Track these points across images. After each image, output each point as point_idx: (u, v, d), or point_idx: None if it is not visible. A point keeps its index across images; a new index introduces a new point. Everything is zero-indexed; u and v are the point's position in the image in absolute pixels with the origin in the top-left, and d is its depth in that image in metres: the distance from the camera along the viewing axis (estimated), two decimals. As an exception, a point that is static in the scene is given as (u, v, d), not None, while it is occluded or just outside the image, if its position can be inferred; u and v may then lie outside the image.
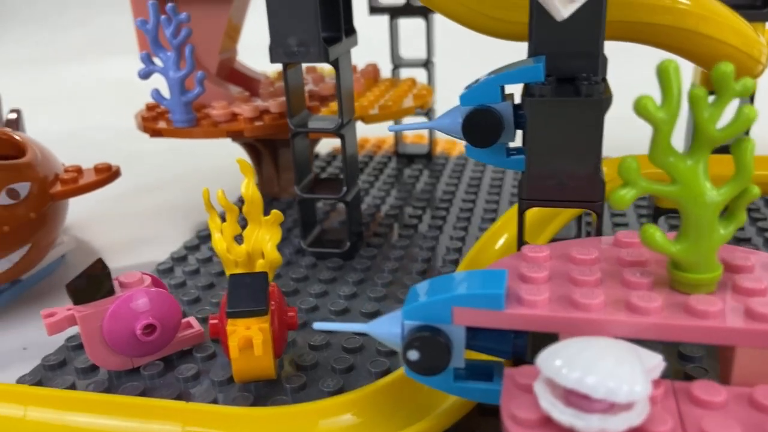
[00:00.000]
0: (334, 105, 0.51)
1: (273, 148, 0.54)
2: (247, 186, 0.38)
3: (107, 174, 0.46)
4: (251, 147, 0.55)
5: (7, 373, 0.35)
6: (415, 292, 0.25)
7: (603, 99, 0.27)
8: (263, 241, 0.39)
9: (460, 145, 0.70)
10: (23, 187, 0.40)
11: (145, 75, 0.46)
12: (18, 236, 0.39)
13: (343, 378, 0.32)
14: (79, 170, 0.46)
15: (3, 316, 0.41)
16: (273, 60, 0.39)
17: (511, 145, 0.31)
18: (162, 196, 0.62)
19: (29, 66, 1.28)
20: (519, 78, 0.28)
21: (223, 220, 0.39)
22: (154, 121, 0.49)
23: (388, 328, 0.25)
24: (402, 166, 0.64)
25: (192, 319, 0.37)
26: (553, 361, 0.20)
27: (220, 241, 0.39)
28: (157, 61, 0.46)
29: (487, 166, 0.63)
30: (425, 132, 0.66)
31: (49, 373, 0.34)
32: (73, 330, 0.37)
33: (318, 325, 0.26)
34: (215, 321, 0.32)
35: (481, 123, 0.28)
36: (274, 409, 0.29)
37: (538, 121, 0.27)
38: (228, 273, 0.40)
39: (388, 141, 0.71)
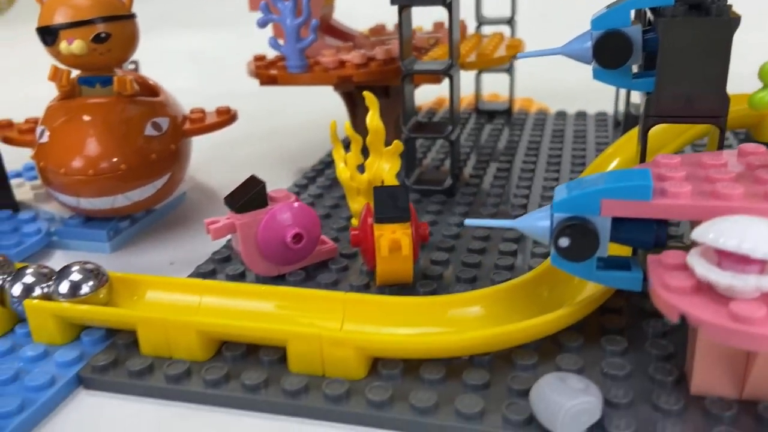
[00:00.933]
0: (432, 54, 0.53)
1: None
2: (372, 117, 0.42)
3: (227, 116, 0.50)
4: (348, 96, 0.59)
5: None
6: (562, 190, 0.28)
7: (732, 19, 0.29)
8: (383, 170, 0.42)
9: (538, 103, 0.73)
10: (164, 122, 0.44)
11: (263, 24, 0.49)
12: (161, 165, 0.43)
13: (468, 287, 0.35)
14: (203, 112, 0.50)
15: (143, 240, 0.45)
16: (393, 2, 0.42)
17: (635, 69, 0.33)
18: (261, 144, 0.66)
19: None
20: (650, 2, 0.30)
21: (347, 150, 0.42)
22: (266, 69, 0.52)
23: (536, 222, 0.28)
24: (483, 122, 0.66)
25: (324, 237, 0.40)
26: (711, 233, 0.23)
27: (344, 170, 0.42)
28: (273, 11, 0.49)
29: (567, 119, 0.65)
30: (506, 88, 0.68)
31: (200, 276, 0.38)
32: (216, 245, 0.41)
33: (469, 221, 0.29)
34: (356, 232, 0.36)
35: (612, 45, 0.31)
36: (425, 298, 0.32)
37: (670, 40, 0.30)
38: (350, 200, 0.43)
39: (464, 101, 0.74)
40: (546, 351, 0.30)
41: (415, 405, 0.26)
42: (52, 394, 0.28)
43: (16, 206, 0.47)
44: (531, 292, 0.32)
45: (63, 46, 0.41)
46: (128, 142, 0.41)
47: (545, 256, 0.38)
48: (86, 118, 0.41)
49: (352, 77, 0.50)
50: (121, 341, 0.31)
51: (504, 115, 0.67)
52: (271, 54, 0.57)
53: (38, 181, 0.52)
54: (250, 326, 0.30)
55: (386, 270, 0.34)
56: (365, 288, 0.36)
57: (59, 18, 0.41)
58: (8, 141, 0.46)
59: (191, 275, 0.38)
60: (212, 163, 0.61)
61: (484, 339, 0.28)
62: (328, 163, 0.56)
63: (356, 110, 0.59)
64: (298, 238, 0.36)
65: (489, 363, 0.29)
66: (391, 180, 0.41)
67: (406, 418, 0.26)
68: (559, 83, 0.78)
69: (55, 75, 0.41)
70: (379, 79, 0.50)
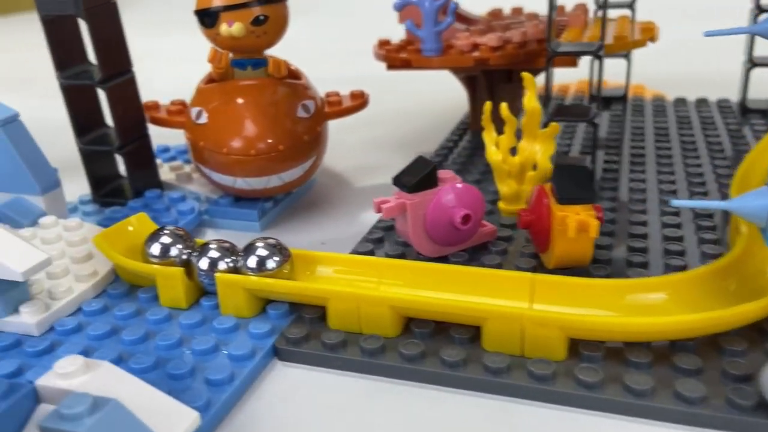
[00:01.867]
0: (566, 36, 0.52)
1: (490, 83, 0.57)
2: (530, 99, 0.41)
3: (362, 99, 0.50)
4: (469, 80, 0.58)
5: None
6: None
7: None
8: (536, 153, 0.42)
9: (651, 90, 0.71)
10: (311, 104, 0.45)
11: (400, 6, 0.49)
12: (310, 146, 0.44)
13: (642, 272, 0.35)
14: (338, 95, 0.50)
15: (287, 221, 0.46)
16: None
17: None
18: (377, 129, 0.66)
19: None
20: None
21: (499, 132, 0.42)
22: (396, 53, 0.52)
23: (755, 201, 0.27)
24: (600, 108, 0.65)
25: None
26: None
27: (495, 153, 0.42)
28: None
29: (689, 106, 0.63)
30: (622, 75, 0.67)
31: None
32: (363, 227, 0.41)
33: (675, 203, 0.29)
34: (527, 213, 0.35)
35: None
36: (619, 281, 0.31)
37: None
38: (499, 183, 0.43)
39: (572, 87, 0.72)
40: (751, 338, 0.29)
41: (632, 387, 0.26)
42: (254, 364, 0.29)
43: (161, 186, 0.49)
44: (719, 282, 0.31)
45: (223, 28, 0.41)
46: (284, 124, 0.42)
47: (715, 242, 0.37)
48: (244, 99, 0.42)
49: (489, 60, 0.49)
50: (307, 315, 0.32)
51: (620, 101, 0.66)
52: (391, 37, 0.57)
53: (176, 162, 0.53)
54: (449, 302, 0.30)
55: (566, 251, 0.33)
56: (533, 271, 0.35)
57: (220, 1, 0.42)
58: (157, 122, 0.47)
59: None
60: (334, 147, 0.62)
61: (699, 322, 0.27)
62: (449, 147, 0.56)
63: (477, 94, 0.58)
64: (466, 218, 0.36)
65: (694, 348, 0.28)
66: (544, 162, 0.41)
67: (622, 400, 0.26)
68: (665, 69, 0.76)
69: (215, 57, 0.42)
70: (514, 62, 0.50)
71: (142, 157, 0.47)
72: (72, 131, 0.46)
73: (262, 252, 0.33)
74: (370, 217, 0.46)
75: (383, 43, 0.56)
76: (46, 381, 0.25)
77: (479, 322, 0.29)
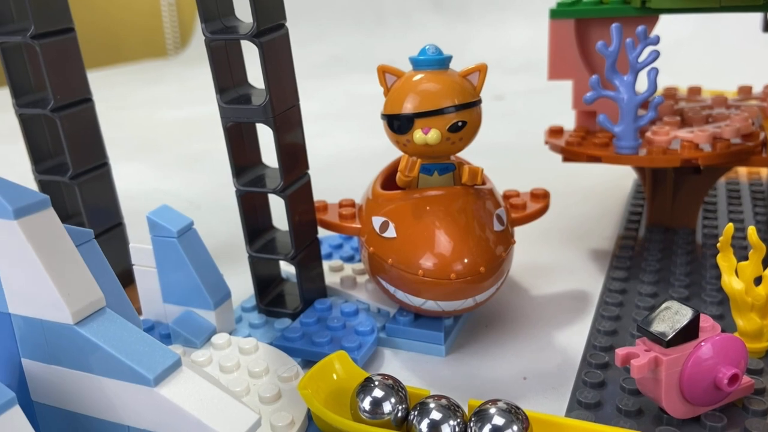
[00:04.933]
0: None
1: (678, 174, 0.51)
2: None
3: (546, 201, 0.45)
4: (644, 171, 0.53)
5: (534, 402, 0.35)
6: None
7: None
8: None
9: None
10: (503, 214, 0.40)
11: (591, 100, 0.44)
12: (506, 262, 0.39)
13: None
14: (518, 195, 0.46)
15: (469, 344, 0.41)
16: None
17: None
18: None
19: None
20: None
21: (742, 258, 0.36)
22: (578, 146, 0.48)
23: None
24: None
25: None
26: None
27: (735, 282, 0.36)
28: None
29: None
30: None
31: (585, 412, 0.33)
32: (563, 355, 0.36)
33: None
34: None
35: None
36: None
37: None
38: (738, 317, 0.36)
39: None
40: None
41: None
42: None
43: (326, 293, 0.45)
44: None
45: (417, 135, 0.38)
46: (482, 241, 0.38)
47: None
48: (439, 213, 0.38)
49: (697, 160, 0.43)
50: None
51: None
52: (563, 124, 0.52)
53: (335, 261, 0.49)
54: None
55: None
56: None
57: (415, 106, 0.38)
58: (327, 226, 0.44)
59: (571, 404, 0.33)
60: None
61: None
62: (630, 246, 0.50)
63: (657, 188, 0.52)
64: (734, 379, 0.30)
65: None
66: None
67: None
68: None
69: (407, 165, 0.38)
70: (727, 162, 0.44)
71: (313, 263, 0.44)
72: (243, 237, 0.43)
73: (498, 420, 0.28)
74: (564, 340, 0.40)
75: (555, 132, 0.52)
76: None
77: None
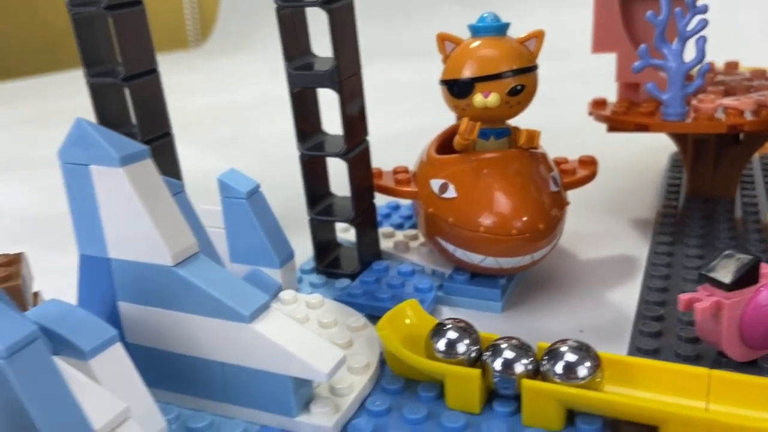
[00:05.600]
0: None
1: (720, 145, 0.52)
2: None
3: (593, 168, 0.47)
4: (683, 139, 0.54)
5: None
6: None
7: None
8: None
9: None
10: (557, 176, 0.42)
11: (640, 69, 0.46)
12: (560, 222, 0.41)
13: None
14: (567, 162, 0.47)
15: (525, 302, 0.43)
16: None
17: None
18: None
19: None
20: None
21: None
22: (624, 115, 0.49)
23: None
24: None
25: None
26: None
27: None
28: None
29: None
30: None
31: (645, 357, 0.34)
32: (617, 312, 0.37)
33: None
34: None
35: None
36: None
37: None
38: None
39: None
40: None
41: None
42: (594, 496, 0.26)
43: (380, 256, 0.47)
44: None
45: (478, 99, 0.39)
46: (540, 200, 0.39)
47: None
48: (499, 174, 0.39)
49: (743, 126, 0.45)
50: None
51: None
52: (605, 96, 0.54)
53: (386, 228, 0.51)
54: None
55: None
56: None
57: (476, 71, 0.39)
58: (383, 191, 0.46)
59: (630, 352, 0.35)
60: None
61: None
62: (672, 215, 0.51)
63: (698, 158, 0.54)
64: (792, 322, 0.31)
65: None
66: None
67: None
68: None
69: (468, 128, 0.40)
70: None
71: (370, 226, 0.45)
72: (305, 201, 0.45)
73: (571, 357, 0.30)
74: (616, 298, 0.42)
75: (599, 104, 0.53)
76: None
77: None
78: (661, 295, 0.40)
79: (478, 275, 0.42)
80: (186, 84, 1.39)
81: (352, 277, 0.44)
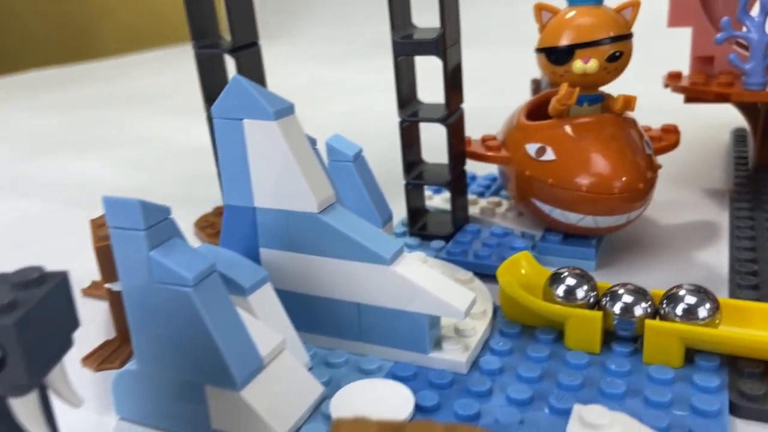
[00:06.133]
0: None
1: (790, 116, 0.54)
2: None
3: (677, 135, 0.49)
4: (750, 111, 0.56)
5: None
6: None
7: None
8: None
9: None
10: (648, 141, 0.44)
11: (722, 40, 0.47)
12: (654, 184, 0.43)
13: None
14: (651, 129, 0.49)
15: (616, 261, 0.44)
16: None
17: None
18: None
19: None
20: None
21: None
22: (704, 86, 0.51)
23: None
24: None
25: None
26: None
27: None
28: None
29: None
30: None
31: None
32: (707, 271, 0.39)
33: None
34: None
35: None
36: None
37: None
38: None
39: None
40: None
41: None
42: (722, 421, 0.28)
43: (468, 220, 0.49)
44: None
45: (577, 65, 0.41)
46: (637, 161, 0.41)
47: None
48: (598, 136, 0.41)
49: (826, 95, 0.46)
50: (750, 370, 0.31)
51: None
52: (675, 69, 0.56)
53: (470, 196, 0.53)
54: None
55: None
56: None
57: (575, 38, 0.41)
58: (474, 156, 0.48)
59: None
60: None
61: None
62: (743, 184, 0.53)
63: (765, 126, 0.55)
64: None
65: None
66: None
67: None
68: None
69: (567, 93, 0.42)
70: None
71: (462, 190, 0.48)
72: (402, 168, 0.47)
73: (691, 299, 0.32)
74: (705, 257, 0.44)
75: (675, 76, 0.55)
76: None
77: None
78: (752, 254, 0.42)
79: (571, 236, 0.45)
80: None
81: (446, 239, 0.47)
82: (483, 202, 0.52)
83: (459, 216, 0.47)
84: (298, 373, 0.30)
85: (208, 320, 0.28)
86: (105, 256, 0.35)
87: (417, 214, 0.49)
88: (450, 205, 0.48)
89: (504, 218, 0.49)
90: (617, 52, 0.41)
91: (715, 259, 0.44)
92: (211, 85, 0.49)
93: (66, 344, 0.24)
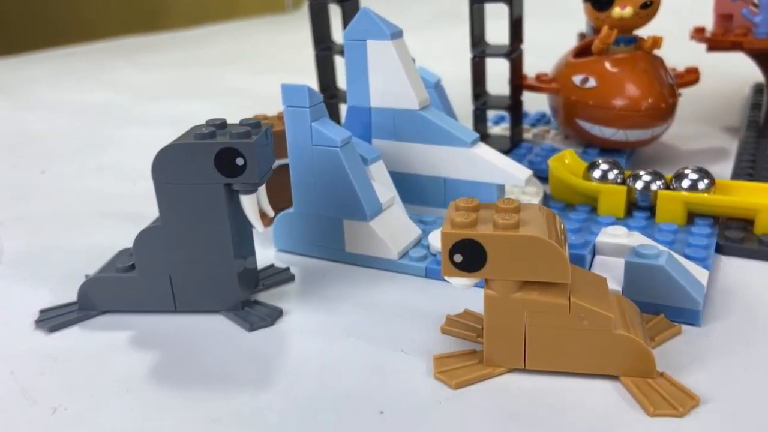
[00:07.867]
0: None
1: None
2: None
3: (696, 75, 0.59)
4: (764, 63, 0.65)
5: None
6: None
7: None
8: None
9: None
10: (671, 73, 0.55)
11: (738, -3, 0.58)
12: (675, 107, 0.53)
13: None
14: (675, 69, 0.59)
15: (644, 168, 0.54)
16: None
17: None
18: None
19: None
20: None
21: None
22: (722, 36, 0.61)
23: None
24: None
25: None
26: None
27: None
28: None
29: None
30: None
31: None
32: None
33: None
34: None
35: None
36: None
37: None
38: None
39: None
40: None
41: None
42: (711, 260, 0.39)
43: (522, 140, 0.61)
44: None
45: (616, 11, 0.52)
46: (662, 87, 0.52)
47: None
48: (632, 66, 0.52)
49: (823, 41, 0.56)
50: (732, 224, 0.42)
51: None
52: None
53: (524, 125, 0.65)
54: None
55: None
56: None
57: (614, -11, 0.53)
58: (530, 88, 0.59)
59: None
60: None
61: None
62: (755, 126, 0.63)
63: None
64: None
65: None
66: None
67: None
68: None
69: (606, 34, 0.53)
70: None
71: (518, 115, 0.59)
72: (471, 95, 0.59)
73: (694, 176, 0.43)
74: (713, 170, 0.54)
75: (700, 30, 0.65)
76: (603, 238, 0.36)
77: None
78: (751, 168, 0.52)
79: (606, 150, 0.56)
80: (293, 41, 1.54)
81: (505, 153, 0.58)
82: (534, 130, 0.64)
83: (515, 136, 0.59)
84: (404, 219, 0.43)
85: (349, 172, 0.40)
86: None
87: (481, 137, 0.60)
88: (508, 132, 0.59)
89: (552, 141, 0.61)
90: (649, 1, 0.52)
91: (721, 170, 0.54)
92: (324, 79, 0.61)
93: (268, 171, 0.36)
